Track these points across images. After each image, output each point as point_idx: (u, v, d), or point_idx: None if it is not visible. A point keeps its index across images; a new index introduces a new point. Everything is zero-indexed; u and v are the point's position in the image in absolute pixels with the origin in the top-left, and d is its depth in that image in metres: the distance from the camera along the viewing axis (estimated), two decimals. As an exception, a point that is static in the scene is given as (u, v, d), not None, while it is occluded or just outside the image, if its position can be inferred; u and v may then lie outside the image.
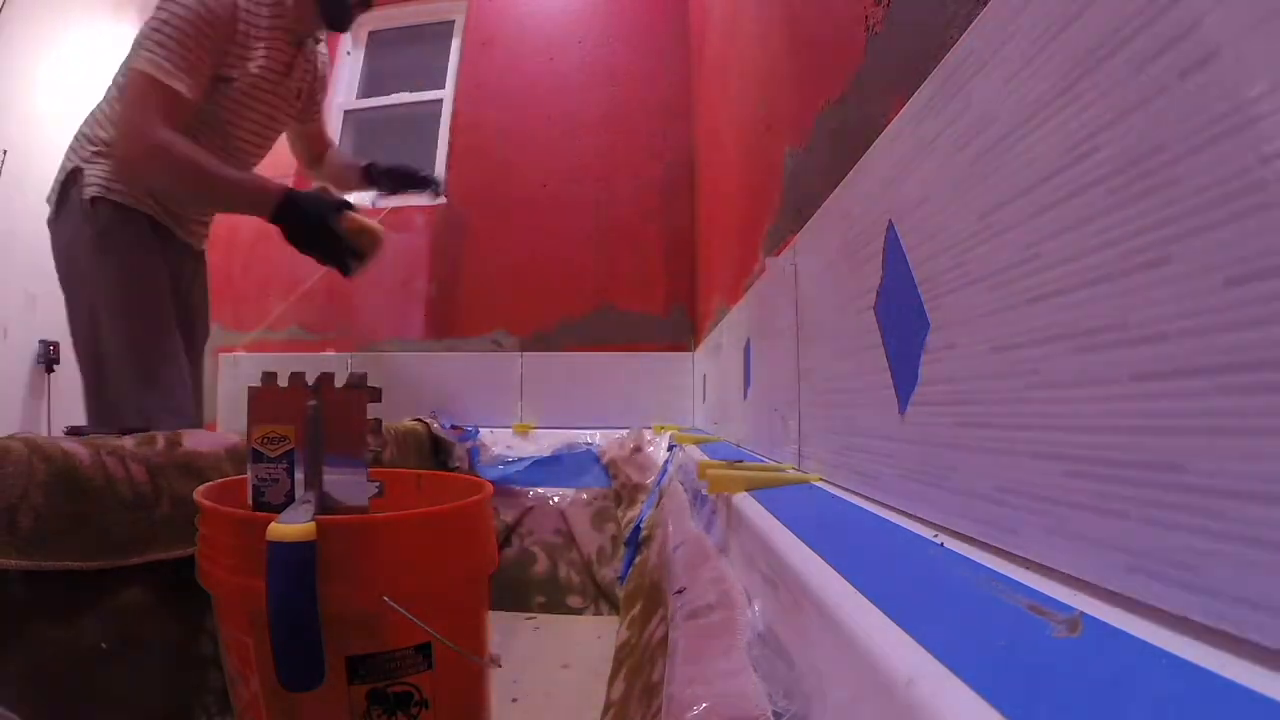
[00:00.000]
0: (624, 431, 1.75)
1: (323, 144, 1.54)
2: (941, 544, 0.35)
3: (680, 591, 0.52)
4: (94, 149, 1.14)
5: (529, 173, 2.15)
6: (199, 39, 1.06)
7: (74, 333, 1.14)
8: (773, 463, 0.76)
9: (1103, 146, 0.24)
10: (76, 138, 1.18)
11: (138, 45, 1.07)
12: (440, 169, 2.22)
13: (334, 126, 2.41)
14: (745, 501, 0.57)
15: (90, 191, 1.12)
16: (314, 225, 1.11)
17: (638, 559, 1.20)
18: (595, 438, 1.75)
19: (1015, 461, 0.30)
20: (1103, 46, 0.24)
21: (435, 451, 1.65)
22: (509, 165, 2.17)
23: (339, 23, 1.28)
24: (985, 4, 0.33)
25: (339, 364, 2.12)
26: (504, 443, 1.80)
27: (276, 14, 1.18)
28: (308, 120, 1.44)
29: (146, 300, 1.13)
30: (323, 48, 1.40)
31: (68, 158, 1.17)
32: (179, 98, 1.05)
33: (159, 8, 1.07)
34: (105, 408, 1.11)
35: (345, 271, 1.17)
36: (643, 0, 2.22)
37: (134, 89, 1.04)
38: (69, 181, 1.15)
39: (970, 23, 0.35)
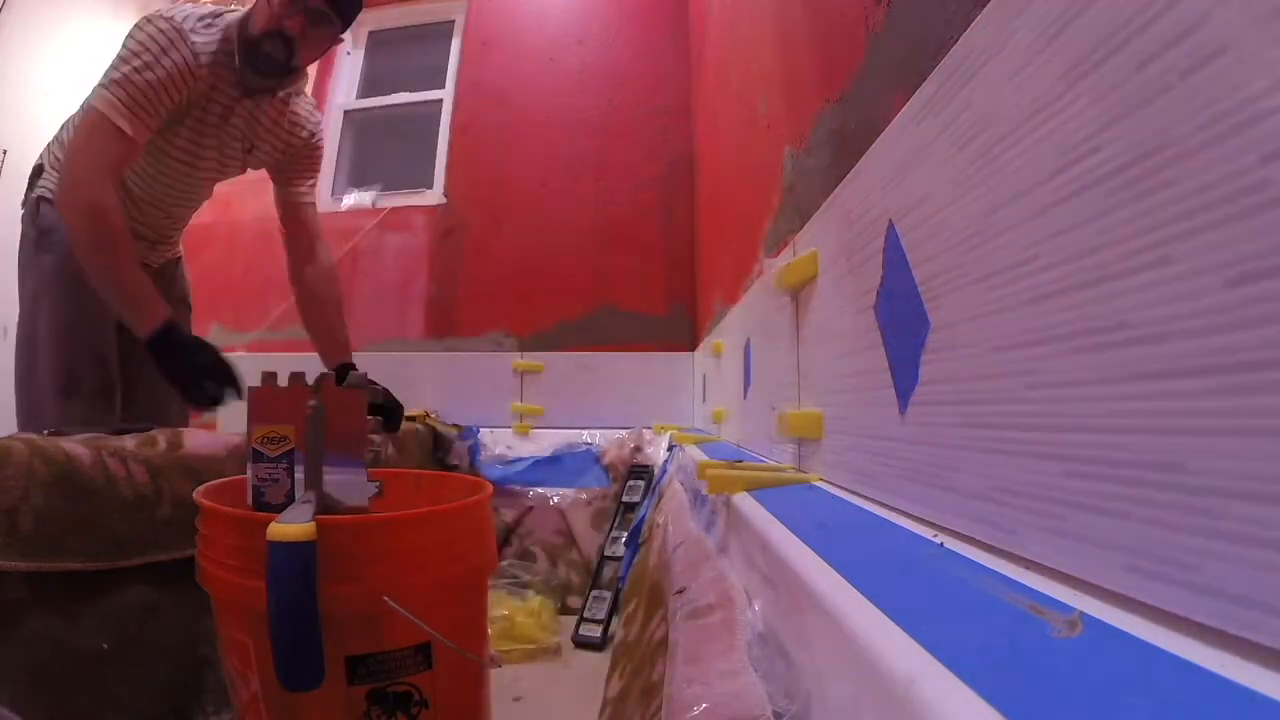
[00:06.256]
0: (624, 431, 1.75)
1: (304, 236, 1.32)
2: (941, 544, 0.35)
3: (680, 591, 0.52)
4: (56, 155, 1.14)
5: (529, 173, 2.15)
6: (166, 87, 1.01)
7: (18, 320, 1.14)
8: (772, 463, 0.76)
9: (1103, 146, 0.24)
10: (55, 137, 1.19)
11: (105, 78, 1.00)
12: (440, 169, 2.22)
13: (334, 127, 2.40)
14: (745, 501, 0.57)
15: (39, 191, 1.14)
16: (184, 366, 1.03)
17: (637, 559, 1.20)
18: (595, 438, 1.75)
19: (1015, 461, 0.30)
20: (1103, 46, 0.24)
21: (434, 449, 1.65)
22: (509, 165, 2.17)
23: (249, 85, 1.13)
24: (985, 4, 0.33)
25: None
26: (504, 443, 1.80)
27: (221, 55, 1.08)
28: (285, 187, 1.30)
29: (81, 305, 1.09)
30: (306, 109, 1.26)
31: (41, 154, 1.19)
32: (133, 147, 1.01)
33: (128, 44, 1.01)
34: (27, 406, 1.10)
35: (196, 405, 1.06)
36: (643, 0, 2.22)
37: (90, 129, 0.99)
38: (33, 175, 1.17)
39: (970, 23, 0.35)
